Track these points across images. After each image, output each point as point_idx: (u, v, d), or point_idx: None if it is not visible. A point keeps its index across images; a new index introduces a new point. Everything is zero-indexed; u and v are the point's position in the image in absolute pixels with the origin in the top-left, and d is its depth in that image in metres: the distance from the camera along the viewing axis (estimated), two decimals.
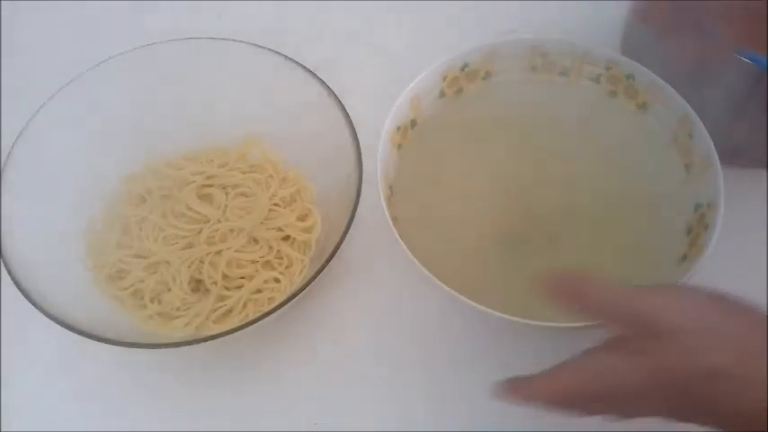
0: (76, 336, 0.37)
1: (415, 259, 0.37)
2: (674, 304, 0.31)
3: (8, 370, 0.44)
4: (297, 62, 0.46)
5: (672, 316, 0.31)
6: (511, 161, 0.46)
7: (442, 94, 0.45)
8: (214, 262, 0.45)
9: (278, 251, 0.46)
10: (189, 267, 0.45)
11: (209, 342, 0.38)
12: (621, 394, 0.31)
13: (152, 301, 0.44)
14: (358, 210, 0.41)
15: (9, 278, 0.39)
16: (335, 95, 0.45)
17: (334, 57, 0.53)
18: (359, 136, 0.43)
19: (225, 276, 0.45)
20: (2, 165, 0.43)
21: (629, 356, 0.31)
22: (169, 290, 0.44)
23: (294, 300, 0.39)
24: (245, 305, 0.44)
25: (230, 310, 0.44)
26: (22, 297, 0.38)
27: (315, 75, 0.45)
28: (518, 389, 0.33)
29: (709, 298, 0.32)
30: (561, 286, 0.34)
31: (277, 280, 0.45)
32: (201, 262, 0.45)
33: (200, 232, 0.46)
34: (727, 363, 0.29)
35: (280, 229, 0.46)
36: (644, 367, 0.31)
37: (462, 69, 0.45)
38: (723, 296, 0.32)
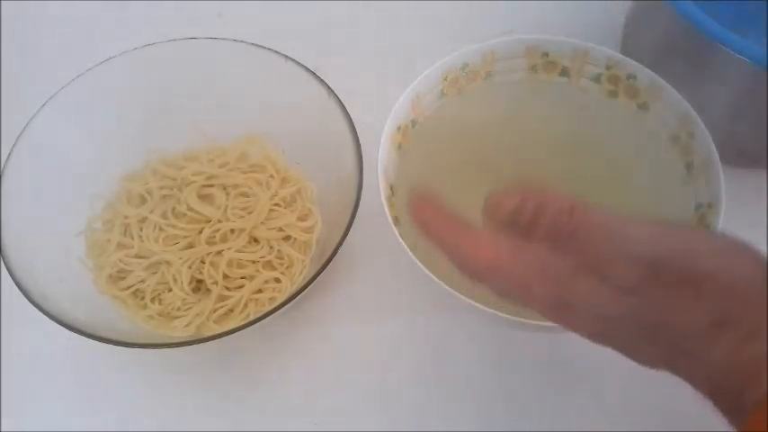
0: (76, 336, 0.37)
1: (415, 259, 0.37)
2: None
3: (8, 370, 0.44)
4: (297, 62, 0.46)
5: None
6: (511, 161, 0.46)
7: (443, 94, 0.45)
8: (215, 262, 0.45)
9: (278, 251, 0.46)
10: (189, 267, 0.45)
11: (210, 342, 0.38)
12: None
13: (153, 301, 0.44)
14: (358, 210, 0.41)
15: (9, 278, 0.39)
16: (335, 95, 0.45)
17: (335, 57, 0.53)
18: (359, 136, 0.43)
19: (225, 276, 0.45)
20: (2, 165, 0.43)
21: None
22: (170, 290, 0.44)
23: (295, 300, 0.39)
24: (245, 305, 0.44)
25: (231, 311, 0.44)
26: (23, 297, 0.38)
27: (315, 75, 0.45)
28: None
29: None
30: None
31: (278, 280, 0.45)
32: (202, 262, 0.45)
33: (200, 232, 0.46)
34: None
35: (280, 230, 0.46)
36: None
37: (462, 69, 0.45)
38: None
